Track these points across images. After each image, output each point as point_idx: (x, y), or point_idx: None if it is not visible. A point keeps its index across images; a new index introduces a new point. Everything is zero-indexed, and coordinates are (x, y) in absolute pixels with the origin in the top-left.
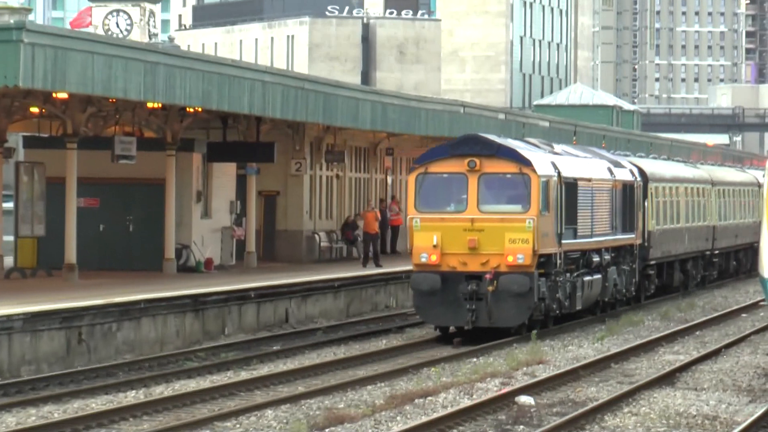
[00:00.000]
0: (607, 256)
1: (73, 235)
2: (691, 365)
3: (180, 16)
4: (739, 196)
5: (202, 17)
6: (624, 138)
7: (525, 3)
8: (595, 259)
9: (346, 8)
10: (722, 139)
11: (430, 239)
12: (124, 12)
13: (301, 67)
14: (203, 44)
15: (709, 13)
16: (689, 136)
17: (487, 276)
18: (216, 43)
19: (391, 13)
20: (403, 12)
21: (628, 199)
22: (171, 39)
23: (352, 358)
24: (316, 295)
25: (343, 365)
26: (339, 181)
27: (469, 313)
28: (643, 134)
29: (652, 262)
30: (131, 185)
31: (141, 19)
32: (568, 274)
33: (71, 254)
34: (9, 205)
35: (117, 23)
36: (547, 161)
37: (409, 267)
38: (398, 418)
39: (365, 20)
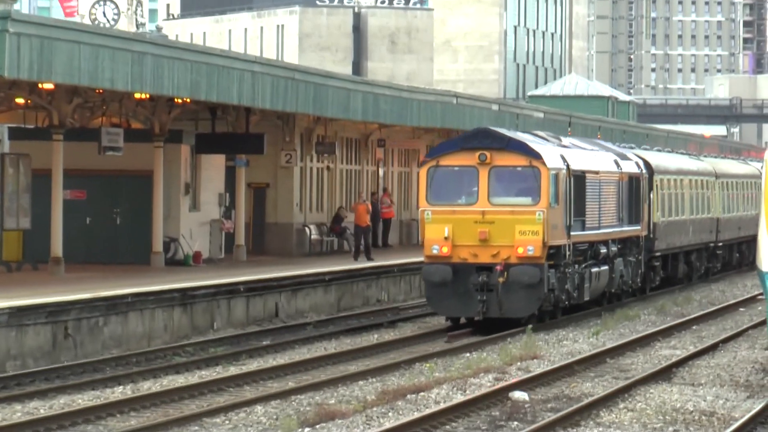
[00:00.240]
0: (614, 248)
1: (59, 228)
2: (687, 360)
3: (168, 5)
4: (743, 189)
5: (191, 6)
6: (619, 129)
7: None
8: (602, 251)
9: None
10: (719, 130)
11: (442, 231)
12: (111, 1)
13: (291, 57)
14: (191, 34)
15: (706, 2)
16: (686, 127)
17: (498, 267)
18: (204, 33)
19: (382, 2)
20: (395, 1)
21: (634, 191)
22: (159, 28)
23: (343, 353)
24: (306, 289)
25: (334, 360)
26: (330, 173)
27: (480, 304)
28: (638, 126)
29: (658, 254)
30: (118, 177)
31: (128, 9)
32: (576, 266)
33: (57, 247)
34: None
35: (104, 12)
36: (557, 154)
37: (401, 260)
38: (390, 413)
39: (356, 9)
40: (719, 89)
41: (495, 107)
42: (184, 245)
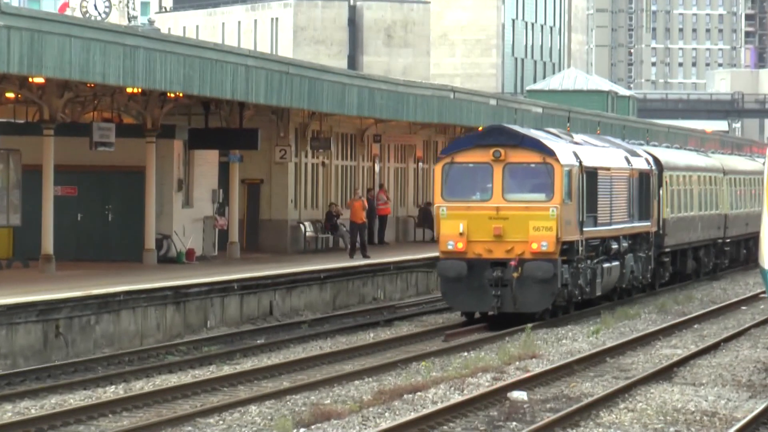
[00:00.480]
0: (624, 244)
1: (50, 225)
2: (689, 359)
3: None
4: (750, 185)
5: None
6: (619, 124)
7: None
8: (613, 247)
9: None
10: (721, 125)
11: (457, 227)
12: None
13: (285, 50)
14: (184, 27)
15: None
16: (687, 122)
17: (512, 263)
18: (197, 26)
19: None
20: None
21: (644, 188)
22: (151, 22)
23: (339, 352)
24: (301, 287)
25: (330, 359)
26: (325, 169)
27: (495, 299)
28: (639, 120)
29: (667, 250)
30: (110, 173)
31: (120, 1)
32: (588, 261)
33: (48, 244)
34: None
35: (95, 5)
36: (569, 151)
37: (398, 258)
38: (386, 414)
39: (352, 2)
40: (721, 84)
41: (493, 102)
42: (176, 242)
